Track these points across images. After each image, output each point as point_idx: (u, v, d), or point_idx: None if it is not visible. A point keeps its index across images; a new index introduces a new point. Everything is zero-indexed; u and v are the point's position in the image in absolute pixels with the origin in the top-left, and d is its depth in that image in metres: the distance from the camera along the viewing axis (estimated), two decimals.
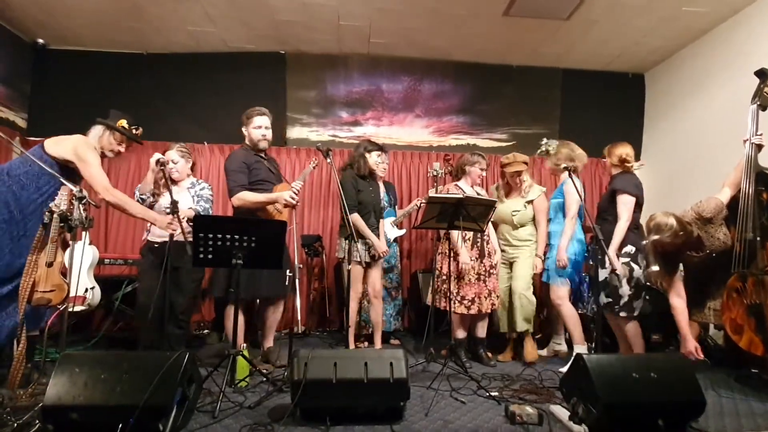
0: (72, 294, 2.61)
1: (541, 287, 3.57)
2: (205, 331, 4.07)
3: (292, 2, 3.89)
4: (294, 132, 4.87)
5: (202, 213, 3.10)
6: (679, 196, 4.02)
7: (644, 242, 3.14)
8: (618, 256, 2.95)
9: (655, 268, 3.40)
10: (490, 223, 3.19)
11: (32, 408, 1.96)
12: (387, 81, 4.95)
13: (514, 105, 5.06)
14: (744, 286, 2.58)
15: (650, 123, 5.05)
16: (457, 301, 3.19)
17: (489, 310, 3.24)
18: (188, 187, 3.22)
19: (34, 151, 2.55)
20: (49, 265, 2.53)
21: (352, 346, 3.37)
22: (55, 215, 2.24)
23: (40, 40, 4.56)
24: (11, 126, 4.37)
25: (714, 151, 4.00)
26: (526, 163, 3.45)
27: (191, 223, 2.73)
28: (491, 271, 3.28)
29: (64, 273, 2.54)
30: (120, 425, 1.75)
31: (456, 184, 3.46)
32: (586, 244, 3.33)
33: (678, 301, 2.74)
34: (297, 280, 2.72)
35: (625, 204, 2.97)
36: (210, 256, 2.47)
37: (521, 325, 3.27)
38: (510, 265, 3.44)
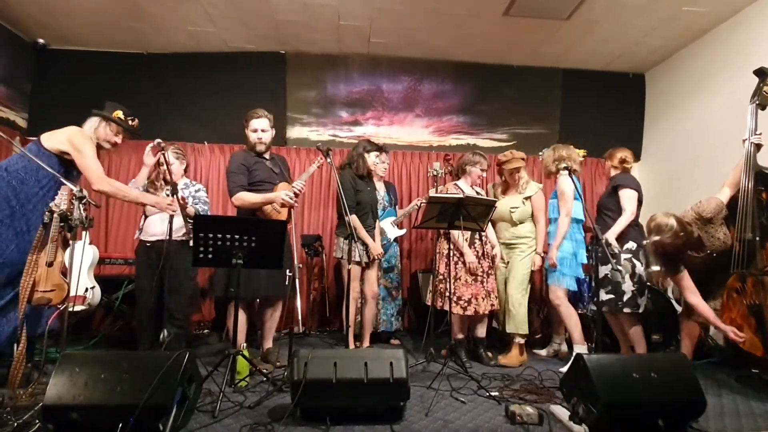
0: (72, 294, 2.61)
1: (542, 286, 3.56)
2: (205, 330, 4.08)
3: (293, 2, 3.89)
4: (294, 132, 4.87)
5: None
6: (679, 195, 4.02)
7: (645, 242, 3.15)
8: (619, 253, 2.96)
9: (656, 268, 3.41)
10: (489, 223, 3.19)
11: (32, 408, 1.96)
12: (387, 81, 4.95)
13: (514, 105, 5.06)
14: (744, 286, 2.58)
15: (650, 123, 5.05)
16: (453, 302, 3.18)
17: (487, 311, 3.22)
18: (182, 188, 3.25)
19: (31, 146, 2.55)
20: (49, 264, 2.53)
21: (352, 345, 3.37)
22: (55, 215, 2.24)
23: (41, 40, 4.56)
24: (12, 126, 4.37)
25: (714, 151, 4.00)
26: (523, 159, 3.45)
27: (191, 221, 2.74)
28: (489, 271, 3.26)
29: (65, 273, 2.54)
30: (120, 425, 1.75)
31: (455, 184, 3.46)
32: (585, 243, 3.33)
33: (694, 298, 2.72)
34: (297, 280, 2.71)
35: (628, 197, 3.01)
36: (210, 256, 2.47)
37: (509, 327, 3.28)
38: (508, 263, 3.44)
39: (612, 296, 2.93)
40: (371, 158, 3.48)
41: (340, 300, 4.31)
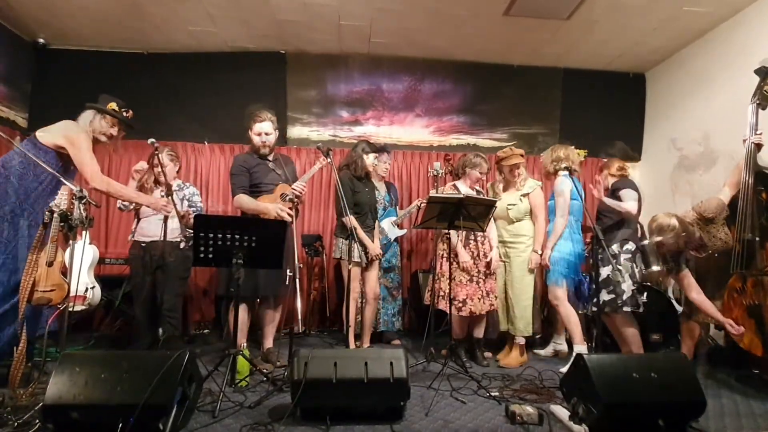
0: (72, 293, 2.61)
1: (543, 286, 3.54)
2: (206, 330, 4.08)
3: (293, 2, 3.89)
4: (294, 131, 4.86)
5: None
6: (679, 195, 4.02)
7: (645, 242, 3.15)
8: (619, 253, 2.97)
9: (655, 268, 3.42)
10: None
11: (32, 407, 1.96)
12: (387, 80, 4.95)
13: (514, 105, 5.06)
14: (744, 286, 2.57)
15: (651, 123, 5.05)
16: (449, 302, 3.18)
17: (484, 312, 3.17)
18: (175, 189, 3.29)
19: (27, 142, 2.55)
20: (49, 264, 2.53)
21: (352, 345, 3.37)
22: (55, 214, 2.24)
23: (41, 40, 4.56)
24: (12, 125, 4.37)
25: (715, 150, 4.00)
26: (522, 156, 3.43)
27: (191, 231, 2.75)
28: (486, 272, 3.21)
29: (65, 272, 2.54)
30: (120, 424, 1.75)
31: (454, 184, 3.45)
32: (584, 243, 3.33)
33: (697, 295, 2.75)
34: (297, 280, 2.71)
35: (628, 195, 3.03)
36: (210, 256, 2.47)
37: (511, 328, 3.29)
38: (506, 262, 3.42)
39: (613, 296, 2.93)
40: (369, 159, 3.48)
41: (341, 300, 4.31)
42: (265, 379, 2.64)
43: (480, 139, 5.04)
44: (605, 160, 3.34)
